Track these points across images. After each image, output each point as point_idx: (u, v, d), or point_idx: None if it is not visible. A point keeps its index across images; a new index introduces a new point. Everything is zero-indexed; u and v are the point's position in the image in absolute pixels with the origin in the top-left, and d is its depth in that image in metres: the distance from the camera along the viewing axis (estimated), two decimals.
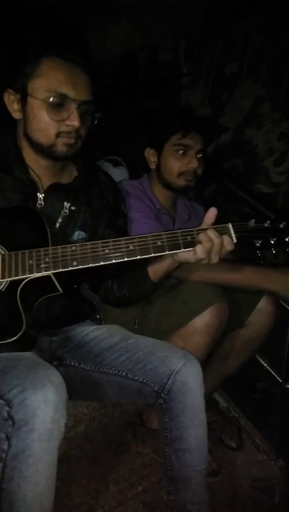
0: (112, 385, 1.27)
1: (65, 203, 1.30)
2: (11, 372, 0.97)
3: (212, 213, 1.16)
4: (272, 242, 1.13)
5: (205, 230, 1.13)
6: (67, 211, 1.30)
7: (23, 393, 0.91)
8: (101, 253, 1.11)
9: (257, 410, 1.90)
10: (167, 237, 1.12)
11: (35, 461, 0.89)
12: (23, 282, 1.09)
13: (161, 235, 1.13)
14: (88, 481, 1.49)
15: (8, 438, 0.89)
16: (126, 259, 1.11)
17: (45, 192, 1.28)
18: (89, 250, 1.11)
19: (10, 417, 0.89)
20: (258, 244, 1.13)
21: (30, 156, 1.26)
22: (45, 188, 1.28)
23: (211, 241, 1.12)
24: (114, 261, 1.11)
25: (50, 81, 1.16)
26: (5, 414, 0.90)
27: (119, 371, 1.25)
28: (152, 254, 1.12)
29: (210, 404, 1.78)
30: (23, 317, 1.05)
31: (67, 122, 1.17)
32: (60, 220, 1.29)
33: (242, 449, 1.74)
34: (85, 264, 1.10)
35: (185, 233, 1.13)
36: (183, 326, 1.42)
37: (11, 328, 1.04)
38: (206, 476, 1.25)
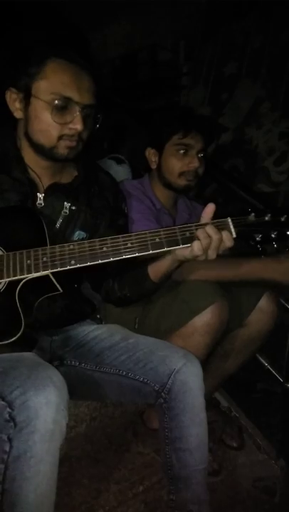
0: (112, 385, 1.27)
1: (65, 203, 1.29)
2: (12, 373, 0.97)
3: (210, 208, 1.15)
4: (273, 235, 1.11)
5: (204, 225, 1.12)
6: (67, 211, 1.29)
7: (25, 395, 0.90)
8: (99, 251, 1.10)
9: (258, 410, 1.90)
10: (165, 234, 1.12)
11: (37, 462, 0.89)
12: (22, 282, 1.08)
13: (159, 231, 1.12)
14: (89, 480, 1.49)
15: (9, 439, 0.89)
16: (124, 256, 1.11)
17: (45, 192, 1.27)
18: (87, 249, 1.11)
19: (11, 418, 0.89)
20: (258, 239, 1.12)
21: (29, 156, 1.25)
22: (45, 187, 1.28)
23: (210, 237, 1.11)
24: (112, 259, 1.10)
25: (55, 83, 1.15)
26: (6, 416, 0.89)
27: (119, 371, 1.25)
28: (151, 251, 1.11)
29: (211, 403, 1.77)
30: (22, 318, 1.05)
31: (71, 126, 1.17)
32: (60, 220, 1.29)
33: (243, 449, 1.74)
34: (83, 262, 1.10)
35: (183, 229, 1.12)
36: (183, 326, 1.42)
37: (10, 328, 1.04)
38: (206, 476, 1.25)
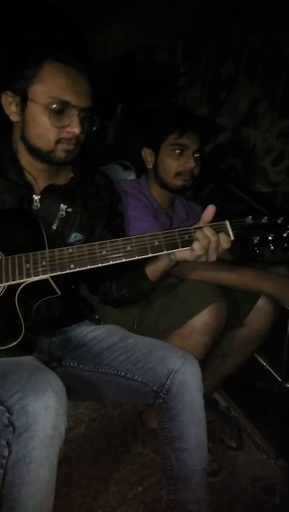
0: (111, 385, 1.27)
1: (62, 205, 1.29)
2: (12, 378, 0.97)
3: (210, 211, 1.15)
4: (270, 238, 1.11)
5: (202, 227, 1.12)
6: (63, 213, 1.29)
7: (24, 400, 0.90)
8: (98, 255, 1.10)
9: (257, 410, 1.90)
10: (164, 237, 1.11)
11: (36, 467, 0.89)
12: (21, 286, 1.08)
13: (158, 234, 1.12)
14: (88, 481, 1.49)
15: (8, 444, 0.88)
16: (124, 260, 1.10)
17: (41, 194, 1.27)
18: (86, 252, 1.10)
19: (10, 423, 0.89)
20: (255, 241, 1.12)
21: (25, 159, 1.24)
22: (40, 189, 1.27)
23: (208, 238, 1.11)
24: (111, 262, 1.10)
25: (52, 87, 1.14)
26: (5, 421, 0.89)
27: (118, 371, 1.25)
28: (150, 255, 1.11)
29: (210, 403, 1.77)
30: (22, 322, 1.05)
31: (68, 129, 1.16)
32: (56, 222, 1.28)
33: (242, 449, 1.74)
34: (82, 266, 1.09)
35: (182, 232, 1.12)
36: (182, 326, 1.42)
37: (11, 333, 1.04)
38: (206, 476, 1.25)
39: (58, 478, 0.96)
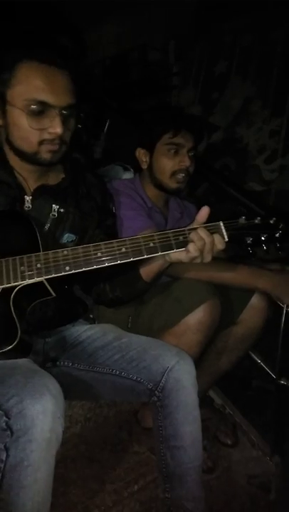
0: (106, 384, 1.27)
1: (54, 206, 1.27)
2: (8, 381, 0.96)
3: (204, 212, 1.15)
4: (262, 238, 1.13)
5: (196, 229, 1.13)
6: (55, 214, 1.27)
7: (21, 403, 0.90)
8: (93, 257, 1.10)
9: (252, 407, 1.91)
10: (159, 238, 1.11)
11: (34, 470, 0.89)
12: (16, 289, 1.07)
13: (152, 236, 1.12)
14: (84, 481, 1.48)
15: (6, 448, 0.88)
16: (119, 261, 1.10)
17: (33, 194, 1.25)
18: (81, 254, 1.10)
19: (8, 427, 0.89)
20: (249, 242, 1.14)
21: (14, 160, 1.23)
22: (32, 190, 1.26)
23: (202, 240, 1.11)
24: (106, 264, 1.10)
25: (28, 88, 1.11)
26: (3, 425, 0.89)
27: (112, 370, 1.25)
28: (145, 256, 1.11)
29: (204, 401, 1.78)
30: (18, 325, 1.04)
31: (50, 130, 1.13)
32: (48, 222, 1.27)
33: (237, 446, 1.75)
34: (77, 268, 1.09)
35: (177, 233, 1.13)
36: (176, 324, 1.43)
37: (7, 336, 1.03)
38: (201, 473, 1.26)
39: (54, 477, 0.96)
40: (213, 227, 1.14)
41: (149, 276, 1.30)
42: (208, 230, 1.12)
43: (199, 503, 1.23)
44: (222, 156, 3.42)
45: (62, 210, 1.28)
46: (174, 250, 1.12)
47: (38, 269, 1.08)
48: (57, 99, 1.12)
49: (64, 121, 1.14)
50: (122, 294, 1.35)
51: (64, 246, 1.27)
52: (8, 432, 0.89)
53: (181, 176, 1.69)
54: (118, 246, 1.10)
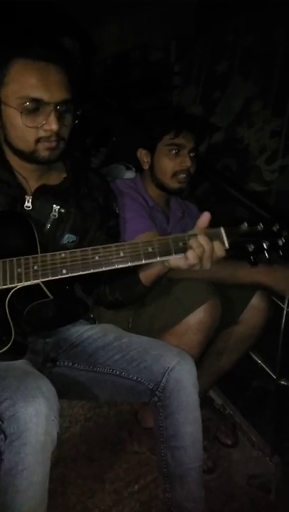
0: (106, 384, 1.27)
1: (54, 206, 1.26)
2: (1, 384, 0.96)
3: (205, 218, 1.12)
4: (265, 246, 1.09)
5: (196, 235, 1.10)
6: (56, 214, 1.26)
7: (14, 406, 0.90)
8: (91, 260, 1.07)
9: (252, 407, 1.91)
10: (158, 244, 1.09)
11: (30, 474, 0.89)
12: (12, 291, 1.06)
13: (152, 241, 1.09)
14: (84, 480, 1.48)
15: (0, 452, 0.88)
16: (116, 266, 1.08)
17: (33, 194, 1.24)
18: (79, 258, 1.08)
19: (1, 430, 0.88)
20: (250, 249, 1.09)
21: (13, 160, 1.21)
22: (32, 190, 1.24)
23: (202, 247, 1.08)
24: (104, 268, 1.08)
25: (21, 86, 1.09)
26: None
27: (113, 370, 1.25)
28: (143, 261, 1.08)
29: (205, 401, 1.78)
30: (12, 327, 1.03)
31: (45, 127, 1.11)
32: (49, 223, 1.25)
33: (237, 446, 1.75)
34: (74, 272, 1.07)
35: (176, 239, 1.10)
36: (176, 324, 1.43)
37: (0, 338, 1.02)
38: (201, 474, 1.25)
39: (53, 477, 0.96)
40: (213, 234, 1.11)
41: (149, 281, 1.29)
42: (208, 236, 1.09)
43: (199, 504, 1.23)
44: (223, 157, 3.42)
45: (63, 211, 1.27)
46: (173, 256, 1.09)
47: (34, 271, 1.06)
48: (51, 95, 1.10)
49: (60, 117, 1.12)
50: (122, 297, 1.35)
51: (64, 247, 1.26)
52: (2, 436, 0.88)
53: (182, 176, 1.69)
54: (116, 250, 1.08)
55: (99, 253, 1.08)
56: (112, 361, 1.26)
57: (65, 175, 1.30)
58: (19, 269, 1.07)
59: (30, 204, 1.23)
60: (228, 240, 1.10)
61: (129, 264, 1.08)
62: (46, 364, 1.30)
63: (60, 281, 1.09)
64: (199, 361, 1.50)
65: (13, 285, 1.06)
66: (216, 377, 1.71)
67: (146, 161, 1.73)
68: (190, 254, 1.08)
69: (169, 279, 1.52)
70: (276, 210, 2.68)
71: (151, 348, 1.27)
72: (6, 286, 1.06)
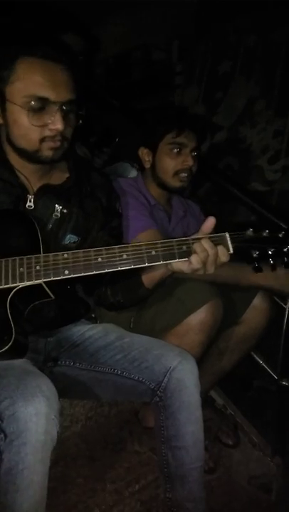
0: (107, 384, 1.27)
1: (57, 206, 1.25)
2: (1, 383, 0.95)
3: (210, 223, 1.12)
4: (269, 252, 1.09)
5: (200, 239, 1.09)
6: (58, 214, 1.25)
7: (14, 406, 0.89)
8: (93, 262, 1.07)
9: (253, 407, 1.91)
10: (162, 247, 1.08)
11: (30, 473, 0.89)
12: (14, 290, 1.06)
13: (156, 243, 1.09)
14: (85, 480, 1.48)
15: (0, 452, 0.88)
16: (119, 268, 1.08)
17: (35, 194, 1.23)
18: (81, 259, 1.07)
19: (1, 430, 0.88)
20: (255, 255, 1.09)
21: (15, 160, 1.21)
22: (35, 190, 1.24)
23: (206, 251, 1.08)
24: (106, 270, 1.07)
25: (27, 84, 1.09)
26: None
27: (114, 370, 1.25)
28: (146, 264, 1.08)
29: (206, 401, 1.78)
30: (13, 327, 1.03)
31: (51, 126, 1.10)
32: (51, 223, 1.24)
33: (238, 447, 1.74)
34: (76, 273, 1.07)
35: (180, 242, 1.09)
36: (178, 324, 1.43)
37: (1, 338, 1.02)
38: (202, 474, 1.25)
39: (54, 476, 0.96)
40: (218, 238, 1.10)
41: (151, 284, 1.29)
42: (212, 241, 1.09)
43: (200, 504, 1.23)
44: (225, 156, 3.41)
45: (65, 211, 1.26)
46: (177, 260, 1.09)
47: (36, 271, 1.06)
48: (57, 94, 1.10)
49: (64, 117, 1.12)
50: (124, 299, 1.34)
51: (66, 247, 1.25)
52: (2, 435, 0.88)
53: (184, 175, 1.69)
54: (119, 252, 1.08)
55: (102, 255, 1.08)
56: (114, 361, 1.26)
57: (67, 174, 1.30)
58: (21, 269, 1.06)
59: (32, 204, 1.23)
60: (232, 245, 1.10)
61: (132, 266, 1.08)
62: (47, 363, 1.30)
63: (61, 282, 1.09)
64: (201, 361, 1.50)
65: (14, 284, 1.06)
66: (217, 377, 1.71)
67: (147, 159, 1.73)
68: (194, 258, 1.08)
69: (171, 280, 1.53)
70: (278, 210, 2.68)
71: (153, 348, 1.27)
72: (7, 286, 1.06)
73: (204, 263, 1.09)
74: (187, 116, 1.81)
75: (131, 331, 1.45)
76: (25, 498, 0.89)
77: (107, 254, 1.08)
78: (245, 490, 1.58)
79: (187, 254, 1.09)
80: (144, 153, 1.74)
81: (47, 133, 1.12)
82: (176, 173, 1.68)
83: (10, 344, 1.01)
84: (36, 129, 1.11)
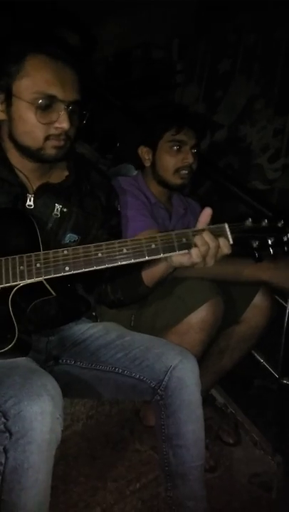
0: (108, 383, 1.27)
1: (56, 205, 1.24)
2: (6, 382, 0.95)
3: (207, 213, 1.11)
4: (269, 242, 1.08)
5: (201, 231, 1.09)
6: (58, 213, 1.24)
7: (19, 405, 0.89)
8: (94, 257, 1.07)
9: (254, 406, 1.91)
10: (162, 240, 1.08)
11: (35, 472, 0.89)
12: (15, 289, 1.06)
13: (155, 237, 1.08)
14: (86, 478, 1.48)
15: (5, 450, 0.88)
16: (120, 263, 1.07)
17: (35, 193, 1.22)
18: (81, 254, 1.07)
19: (6, 429, 0.88)
20: (255, 245, 1.08)
21: (15, 158, 1.20)
22: (34, 188, 1.23)
23: (207, 244, 1.07)
24: (107, 265, 1.07)
25: (37, 81, 1.09)
26: (1, 427, 0.88)
27: (115, 368, 1.25)
28: (147, 258, 1.08)
29: (207, 400, 1.78)
30: (16, 325, 1.03)
31: (57, 125, 1.11)
32: (51, 222, 1.24)
33: (239, 445, 1.74)
34: (77, 269, 1.07)
35: (180, 235, 1.09)
36: (178, 323, 1.43)
37: (4, 336, 1.02)
38: (203, 472, 1.25)
39: (55, 475, 0.96)
40: (218, 230, 1.10)
41: (151, 282, 1.28)
42: (212, 233, 1.08)
43: (201, 502, 1.23)
44: (225, 155, 3.42)
45: (65, 210, 1.26)
46: (177, 252, 1.08)
47: (37, 268, 1.06)
48: (65, 93, 1.10)
49: (70, 117, 1.12)
50: (124, 296, 1.34)
51: (66, 246, 1.24)
52: (7, 434, 0.88)
53: (184, 172, 1.69)
54: (119, 247, 1.08)
55: (102, 250, 1.08)
56: (115, 359, 1.26)
57: (67, 173, 1.29)
58: (21, 267, 1.06)
59: (32, 203, 1.22)
60: (232, 235, 1.09)
61: (132, 260, 1.08)
62: (48, 362, 1.30)
63: (62, 279, 1.09)
64: (201, 360, 1.50)
65: (15, 283, 1.06)
66: (218, 375, 1.71)
67: (147, 158, 1.73)
68: (194, 252, 1.08)
69: (171, 278, 1.53)
70: (278, 208, 2.68)
71: (154, 347, 1.26)
72: (8, 284, 1.06)
73: (204, 256, 1.08)
74: (186, 113, 1.81)
75: (131, 329, 1.45)
76: (30, 497, 0.89)
77: (107, 249, 1.08)
78: (246, 488, 1.58)
79: (187, 246, 1.08)
80: (144, 152, 1.74)
81: (52, 131, 1.12)
82: (177, 171, 1.68)
83: (14, 342, 1.01)
84: (42, 127, 1.11)
